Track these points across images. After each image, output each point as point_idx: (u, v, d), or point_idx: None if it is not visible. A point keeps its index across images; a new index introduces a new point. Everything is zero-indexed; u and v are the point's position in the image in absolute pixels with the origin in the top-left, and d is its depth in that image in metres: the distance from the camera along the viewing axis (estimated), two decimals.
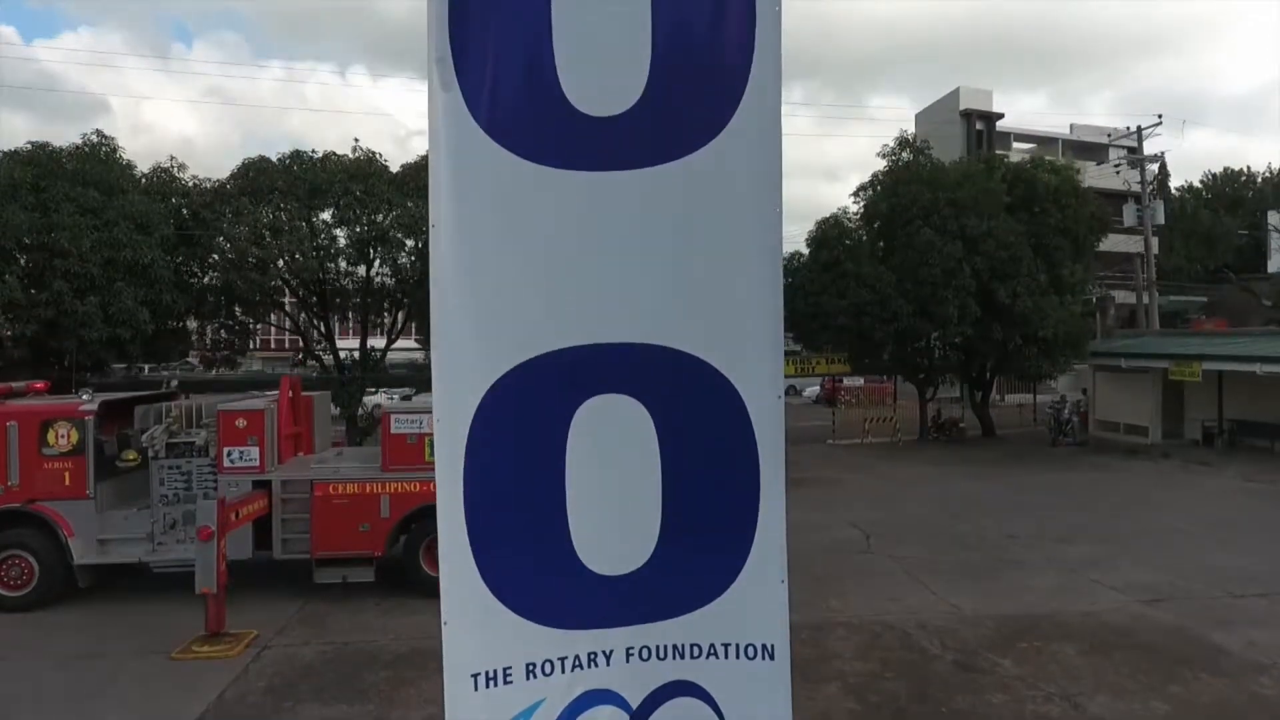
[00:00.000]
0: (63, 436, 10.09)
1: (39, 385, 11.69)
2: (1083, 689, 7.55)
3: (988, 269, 19.55)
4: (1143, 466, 19.49)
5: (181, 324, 16.92)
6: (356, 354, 18.94)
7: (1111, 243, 35.43)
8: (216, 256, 16.13)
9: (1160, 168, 54.78)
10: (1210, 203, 59.68)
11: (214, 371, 18.27)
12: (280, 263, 16.18)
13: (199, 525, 8.68)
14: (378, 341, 19.62)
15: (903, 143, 21.51)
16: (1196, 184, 64.41)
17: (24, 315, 13.96)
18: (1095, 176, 38.19)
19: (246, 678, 8.02)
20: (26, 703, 7.58)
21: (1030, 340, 20.88)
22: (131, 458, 10.72)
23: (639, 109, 2.31)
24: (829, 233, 20.98)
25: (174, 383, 12.41)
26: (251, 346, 19.00)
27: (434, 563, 6.50)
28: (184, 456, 10.22)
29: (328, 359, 18.75)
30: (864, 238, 20.53)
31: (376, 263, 17.18)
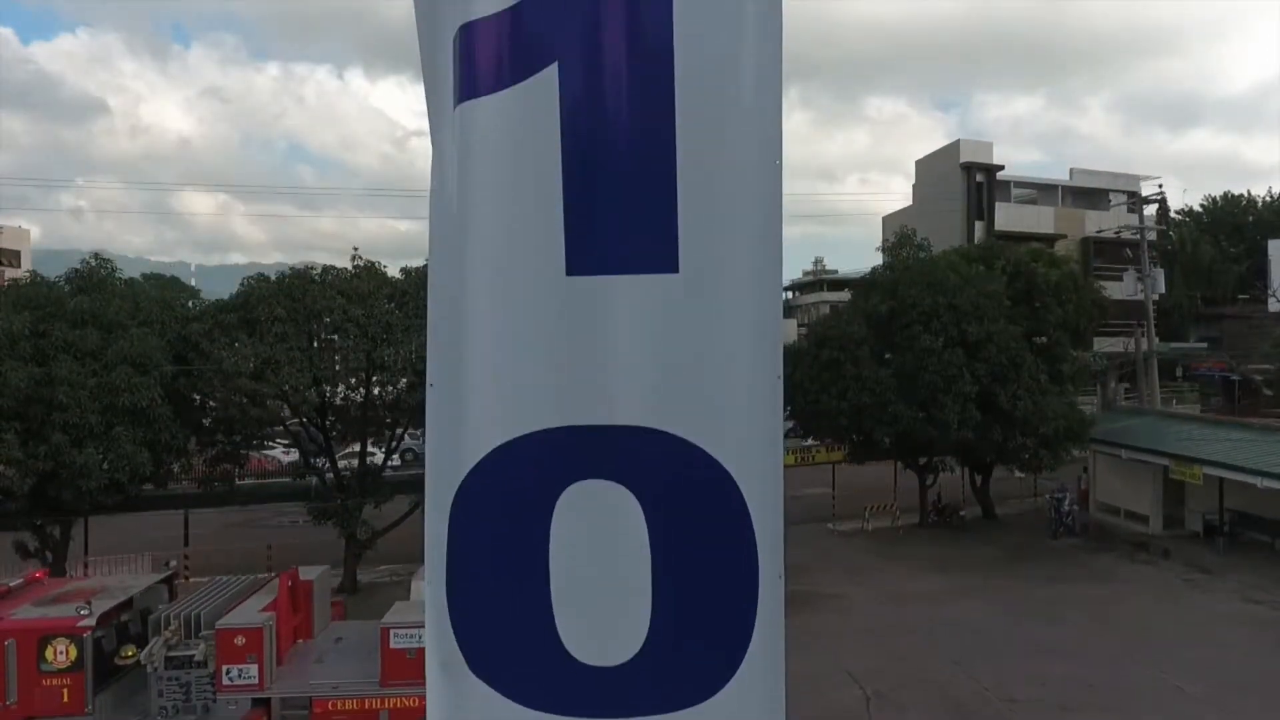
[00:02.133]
0: (61, 653, 10.08)
1: (38, 575, 11.69)
2: None
3: (988, 374, 19.52)
4: (1143, 576, 19.46)
5: (182, 458, 16.88)
6: (355, 465, 18.91)
7: (1112, 289, 35.51)
8: (215, 391, 16.07)
9: (1160, 205, 54.77)
10: (1210, 227, 59.67)
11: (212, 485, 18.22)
12: (278, 397, 16.15)
13: None
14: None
15: (903, 239, 21.46)
16: (1197, 207, 64.44)
17: (23, 469, 13.93)
18: (1095, 222, 38.23)
19: None
20: None
21: (1030, 434, 20.86)
22: (130, 654, 10.73)
23: (640, 660, 2.32)
24: (829, 331, 20.93)
25: (172, 563, 12.39)
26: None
27: None
28: (183, 668, 10.20)
29: (328, 476, 18.71)
30: (865, 339, 20.48)
31: (376, 389, 17.13)
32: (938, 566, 20.59)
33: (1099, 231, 36.23)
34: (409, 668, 10.08)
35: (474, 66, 2.51)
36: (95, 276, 16.89)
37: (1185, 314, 48.14)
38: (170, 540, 19.92)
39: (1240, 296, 51.69)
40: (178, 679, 10.19)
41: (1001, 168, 37.41)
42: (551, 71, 2.50)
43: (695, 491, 2.20)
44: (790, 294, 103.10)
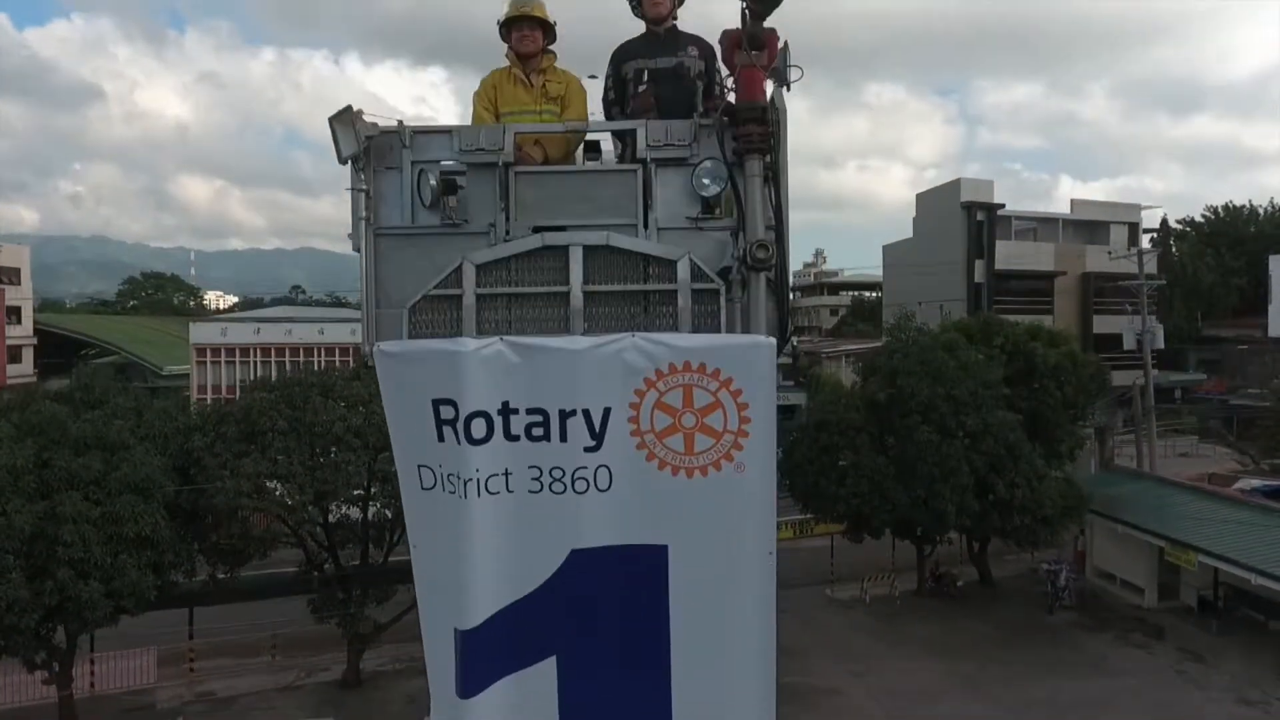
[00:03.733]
0: None
1: None
2: None
3: (985, 464, 19.61)
4: (1136, 667, 19.62)
5: (186, 573, 16.96)
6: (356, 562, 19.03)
7: (1111, 324, 35.53)
8: (216, 504, 16.17)
9: (1162, 226, 54.56)
10: (1211, 239, 59.54)
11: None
12: (278, 517, 16.26)
13: None
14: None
15: (902, 322, 21.45)
16: (1198, 218, 64.24)
17: (28, 607, 14.04)
18: (1097, 257, 38.17)
19: None
20: None
21: (1027, 515, 20.98)
22: None
23: None
24: (828, 415, 21.01)
25: (180, 718, 12.55)
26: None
27: None
28: None
29: (329, 570, 18.83)
30: (863, 426, 20.54)
31: (378, 504, 17.23)
32: (935, 650, 20.78)
33: (1111, 255, 35.96)
34: None
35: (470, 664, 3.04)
36: (97, 390, 16.94)
37: (1185, 337, 48.17)
38: (173, 630, 20.12)
39: (1240, 317, 51.78)
40: None
41: (1002, 206, 37.30)
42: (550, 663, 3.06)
43: None
44: (793, 294, 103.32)
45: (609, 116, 4.34)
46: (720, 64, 3.98)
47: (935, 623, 22.61)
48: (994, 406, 19.73)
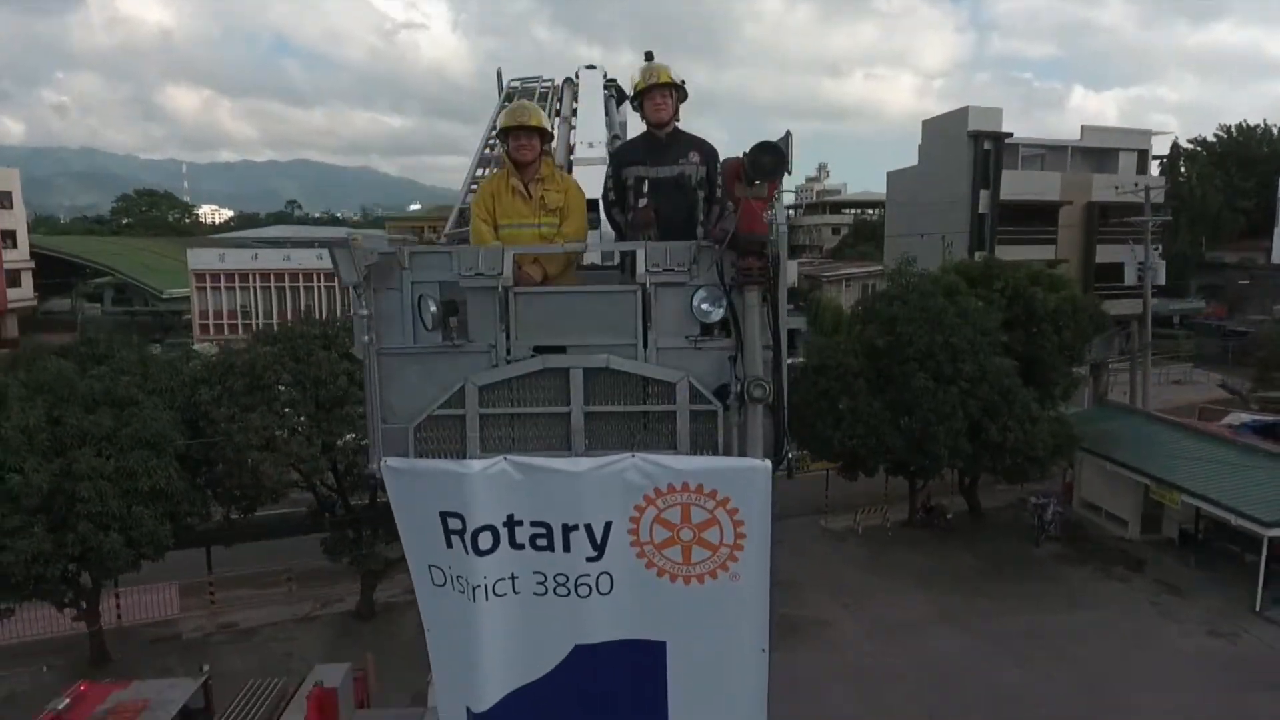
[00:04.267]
0: None
1: (82, 688, 12.58)
2: None
3: (980, 410, 19.97)
4: (1114, 599, 20.49)
5: (201, 518, 17.53)
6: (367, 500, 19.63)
7: (1114, 253, 35.36)
8: (228, 462, 16.59)
9: (1172, 148, 53.25)
10: (1221, 160, 58.36)
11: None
12: (291, 465, 16.69)
13: None
14: None
15: (903, 265, 21.33)
16: (1210, 137, 62.73)
17: (53, 558, 14.64)
18: (1103, 187, 37.59)
19: None
20: None
21: (1019, 456, 21.52)
22: None
23: None
24: (826, 360, 21.23)
25: (205, 667, 13.27)
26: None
27: None
28: None
29: (340, 511, 19.46)
30: (861, 372, 20.77)
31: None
32: (923, 581, 21.66)
33: (1118, 190, 35.43)
34: None
35: None
36: (102, 345, 17.10)
37: (1188, 263, 47.89)
38: (192, 567, 20.94)
39: (1245, 239, 51.27)
40: None
41: (1010, 135, 36.41)
42: None
43: None
44: (791, 212, 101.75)
45: (609, 215, 4.35)
46: (720, 165, 3.97)
47: (924, 554, 23.47)
48: (991, 353, 19.94)
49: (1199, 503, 20.27)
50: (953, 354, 19.66)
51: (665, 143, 4.34)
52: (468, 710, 3.53)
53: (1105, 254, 36.56)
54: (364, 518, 19.57)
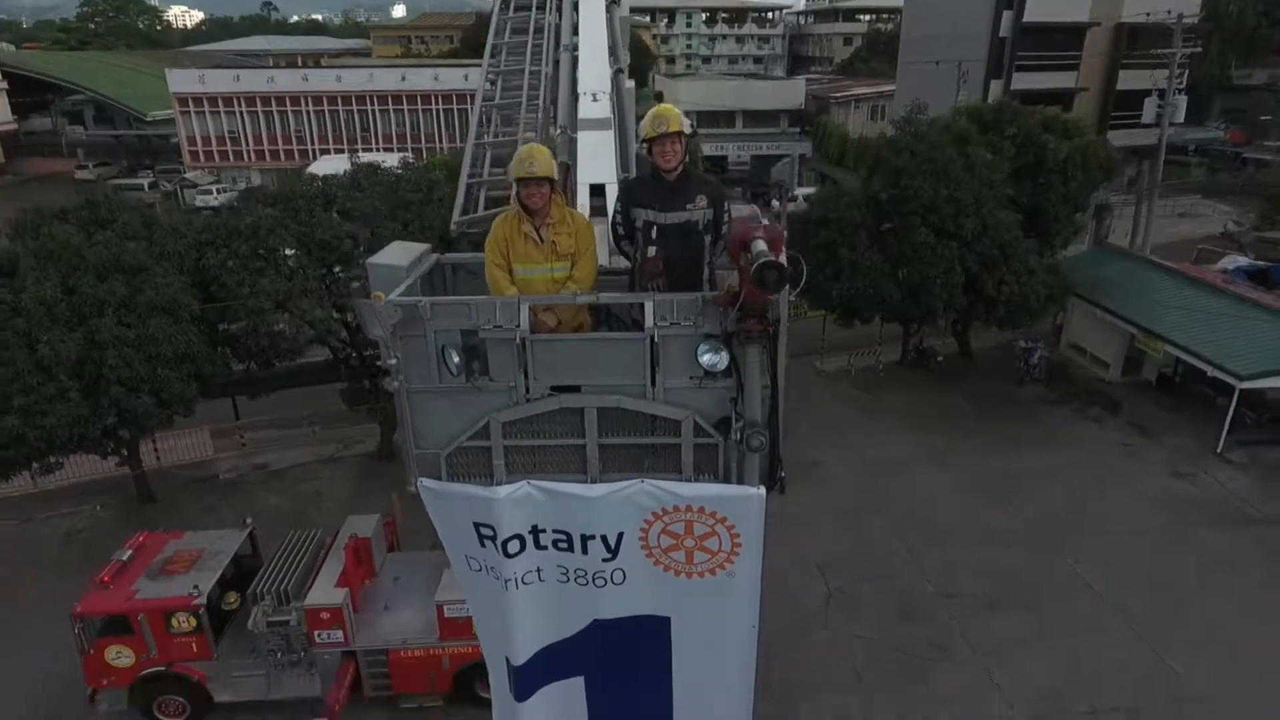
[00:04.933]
0: (183, 622, 12.65)
1: (141, 539, 13.93)
2: None
3: (978, 264, 20.15)
4: (1087, 440, 21.78)
5: (225, 375, 18.29)
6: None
7: (1138, 79, 33.87)
8: (243, 324, 17.10)
9: None
10: None
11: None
12: (307, 324, 17.18)
13: None
14: None
15: (913, 114, 20.46)
16: None
17: (91, 421, 15.58)
18: (1136, 7, 35.13)
19: None
20: None
21: (1011, 305, 22.04)
22: (232, 600, 13.43)
23: None
24: (828, 213, 21.07)
25: (249, 520, 14.57)
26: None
27: (486, 688, 9.10)
28: (281, 625, 12.82)
29: (355, 362, 20.24)
30: (863, 224, 20.68)
31: None
32: (910, 422, 22.94)
33: (1149, 16, 33.19)
34: (460, 629, 12.64)
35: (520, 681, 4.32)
36: (104, 209, 17.10)
37: (1214, 84, 45.60)
38: (221, 412, 22.13)
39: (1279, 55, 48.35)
40: (279, 633, 12.85)
41: None
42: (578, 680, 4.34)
43: None
44: (800, 20, 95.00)
45: (618, 245, 4.47)
46: (729, 206, 4.07)
47: (913, 394, 24.64)
48: (995, 207, 19.81)
49: (1180, 353, 21.03)
50: (956, 208, 19.56)
51: (674, 186, 4.45)
52: (507, 660, 4.28)
53: (1128, 80, 34.88)
54: (379, 367, 20.46)
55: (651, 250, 4.30)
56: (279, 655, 12.96)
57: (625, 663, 4.18)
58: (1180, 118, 28.05)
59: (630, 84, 7.74)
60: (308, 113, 51.61)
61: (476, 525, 3.89)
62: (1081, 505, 18.92)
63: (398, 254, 4.40)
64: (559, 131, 5.73)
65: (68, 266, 15.58)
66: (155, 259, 16.58)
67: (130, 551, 13.58)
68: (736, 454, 3.91)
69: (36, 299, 14.84)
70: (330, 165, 44.37)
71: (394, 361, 4.09)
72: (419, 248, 4.58)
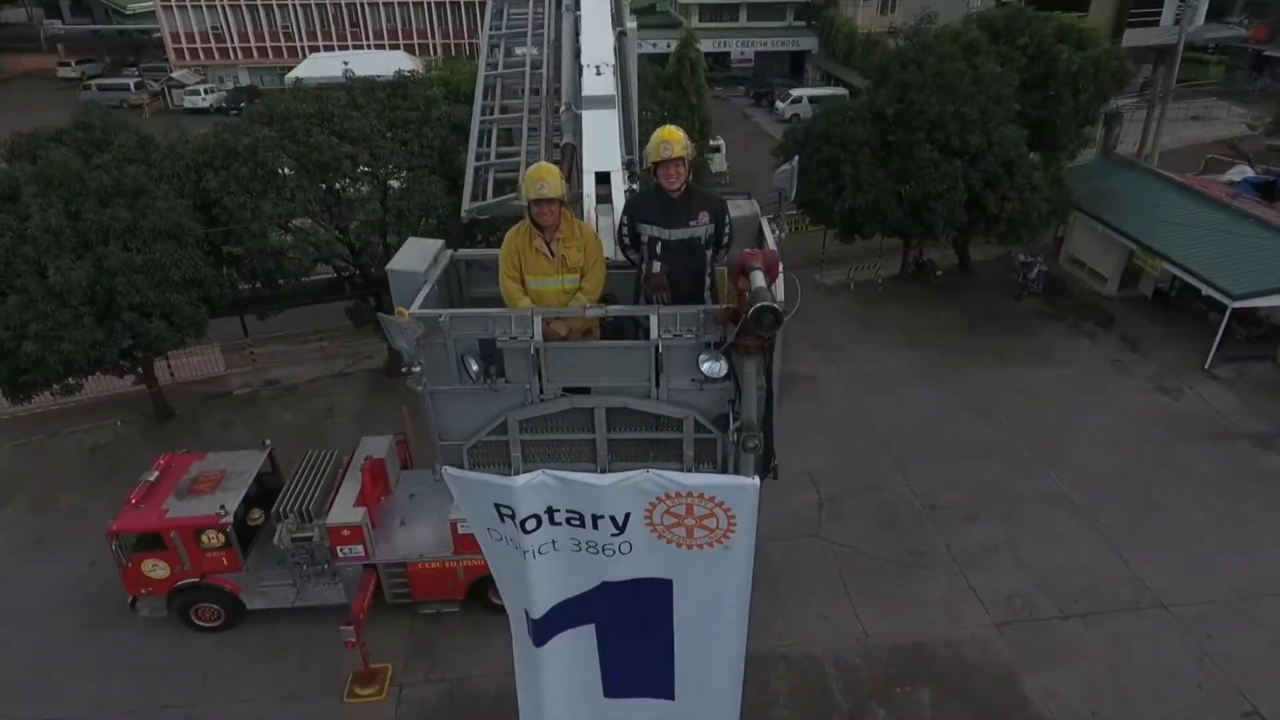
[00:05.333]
0: (213, 538, 13.52)
1: (164, 460, 14.63)
2: None
3: (981, 182, 20.04)
4: (1078, 356, 22.25)
5: (233, 295, 18.57)
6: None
7: None
8: (247, 247, 17.26)
9: None
10: None
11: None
12: (312, 245, 17.31)
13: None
14: None
15: (923, 25, 19.74)
16: None
17: (106, 345, 16.01)
18: None
19: None
20: None
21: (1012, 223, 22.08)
22: (256, 516, 14.29)
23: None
24: (831, 128, 20.75)
25: (268, 441, 15.23)
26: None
27: (498, 595, 9.59)
28: (305, 541, 13.70)
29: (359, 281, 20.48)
30: (866, 141, 20.41)
31: (394, 234, 18.03)
32: (906, 337, 23.37)
33: None
34: (473, 544, 13.41)
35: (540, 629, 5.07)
36: (99, 130, 16.97)
37: None
38: (230, 330, 22.56)
39: None
40: (303, 548, 13.75)
41: None
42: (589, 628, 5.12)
43: None
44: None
45: (624, 252, 4.71)
46: (729, 218, 4.33)
47: (910, 309, 24.96)
48: (1001, 123, 19.55)
49: (1177, 270, 21.23)
50: (962, 125, 19.31)
51: (678, 204, 4.67)
52: (526, 613, 4.85)
53: None
54: (383, 283, 20.70)
55: (656, 266, 4.59)
56: (304, 567, 13.91)
57: (632, 616, 4.75)
58: (1200, 19, 27.08)
59: (633, 24, 7.64)
60: (294, 7, 49.53)
61: (497, 506, 4.36)
62: (1066, 420, 19.59)
63: (414, 257, 4.69)
64: (563, 107, 5.87)
65: (69, 193, 15.62)
66: (154, 181, 16.60)
67: (157, 473, 14.30)
68: (734, 448, 4.32)
69: (42, 227, 14.98)
70: (319, 66, 43.09)
71: (417, 369, 4.46)
72: (434, 246, 4.86)
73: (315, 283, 21.85)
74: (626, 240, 4.81)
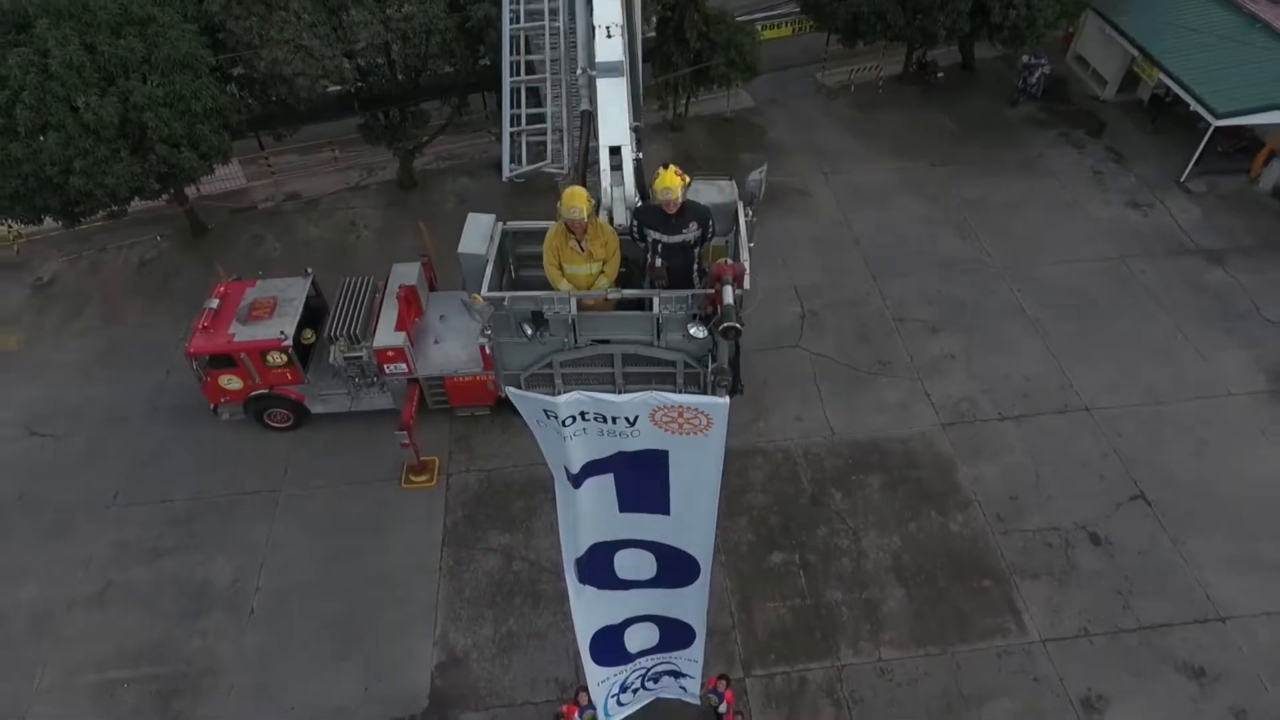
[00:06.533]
0: (276, 358, 15.77)
1: (222, 289, 16.49)
2: (866, 523, 15.35)
3: None
4: (1062, 167, 23.08)
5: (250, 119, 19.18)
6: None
7: None
8: (260, 70, 17.68)
9: None
10: None
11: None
12: (321, 74, 17.64)
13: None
14: None
15: None
16: None
17: (143, 177, 17.17)
18: None
19: (451, 510, 15.80)
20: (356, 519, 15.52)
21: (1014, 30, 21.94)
22: (309, 336, 16.51)
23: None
24: None
25: (310, 270, 16.97)
26: None
27: None
28: (355, 359, 15.98)
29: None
30: None
31: (397, 60, 18.23)
32: (898, 146, 24.06)
33: None
34: None
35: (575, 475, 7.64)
36: None
37: None
38: (243, 143, 23.22)
39: None
40: (354, 363, 16.05)
41: None
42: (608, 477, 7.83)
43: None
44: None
45: (635, 242, 6.21)
46: (712, 221, 5.89)
47: (906, 115, 25.25)
48: None
49: (1171, 83, 21.48)
50: None
51: (674, 217, 6.21)
52: (565, 469, 6.97)
53: None
54: (392, 97, 21.14)
55: (658, 261, 6.19)
56: (356, 380, 16.32)
57: (640, 471, 6.86)
58: None
59: None
60: None
61: (545, 411, 6.29)
62: (1037, 235, 21.05)
63: (477, 238, 6.20)
64: (580, 72, 6.92)
65: (81, 24, 15.98)
66: (159, 7, 16.81)
67: (217, 300, 16.24)
68: (713, 379, 6.22)
69: (63, 63, 15.58)
70: None
71: (488, 333, 6.24)
72: (488, 222, 6.33)
73: (326, 99, 22.27)
74: (636, 235, 6.38)
